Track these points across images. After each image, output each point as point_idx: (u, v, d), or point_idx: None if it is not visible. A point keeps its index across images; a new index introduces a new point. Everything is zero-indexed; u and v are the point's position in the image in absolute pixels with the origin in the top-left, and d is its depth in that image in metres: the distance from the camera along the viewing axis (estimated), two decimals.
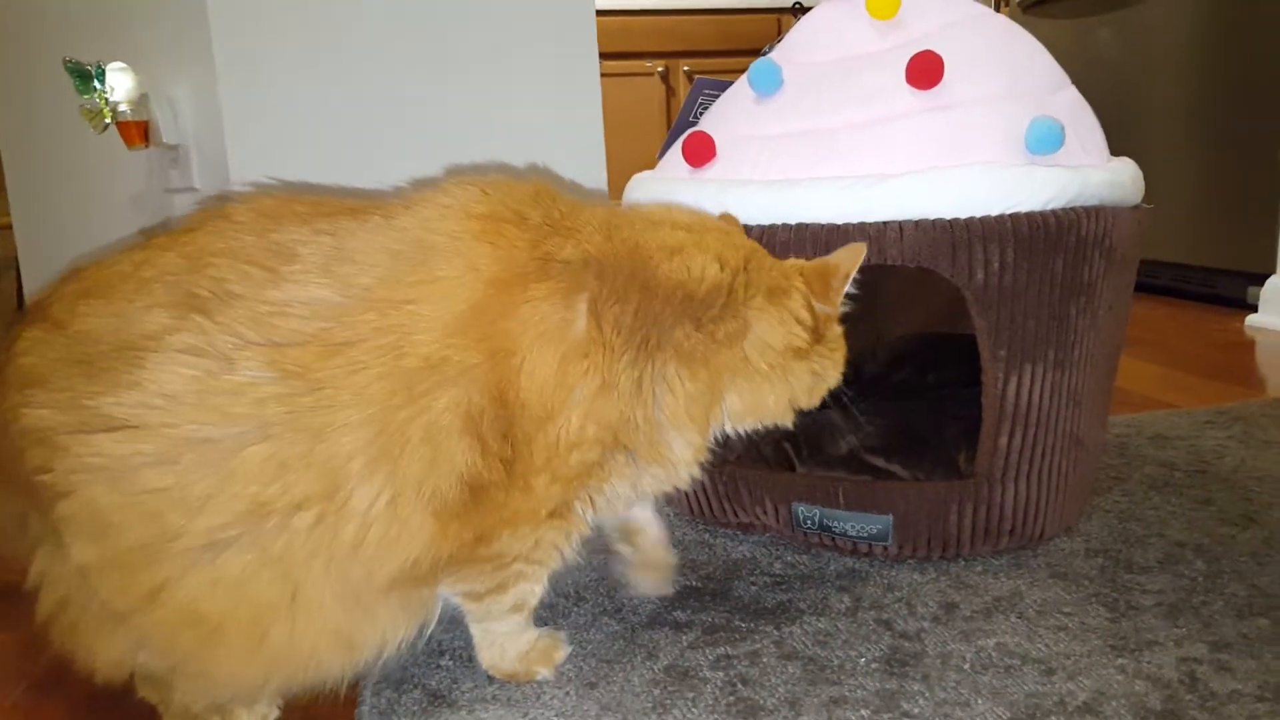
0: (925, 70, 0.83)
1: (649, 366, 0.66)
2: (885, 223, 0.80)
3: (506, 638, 0.72)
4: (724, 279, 0.70)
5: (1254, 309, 2.01)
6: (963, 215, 0.79)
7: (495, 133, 1.37)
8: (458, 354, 0.60)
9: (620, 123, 2.80)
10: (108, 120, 1.25)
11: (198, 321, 0.57)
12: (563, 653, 0.74)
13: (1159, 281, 2.40)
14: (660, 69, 3.42)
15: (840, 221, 0.81)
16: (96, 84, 1.21)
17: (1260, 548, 0.89)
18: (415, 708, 0.70)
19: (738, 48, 3.37)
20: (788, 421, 0.76)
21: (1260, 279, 1.99)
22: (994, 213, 0.79)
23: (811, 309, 0.73)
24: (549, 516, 0.67)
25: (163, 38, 1.30)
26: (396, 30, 1.31)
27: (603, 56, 3.71)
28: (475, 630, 0.73)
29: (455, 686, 0.72)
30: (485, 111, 1.36)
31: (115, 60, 1.26)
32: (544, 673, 0.72)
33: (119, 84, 1.22)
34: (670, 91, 3.45)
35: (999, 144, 0.82)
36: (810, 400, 0.75)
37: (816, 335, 0.74)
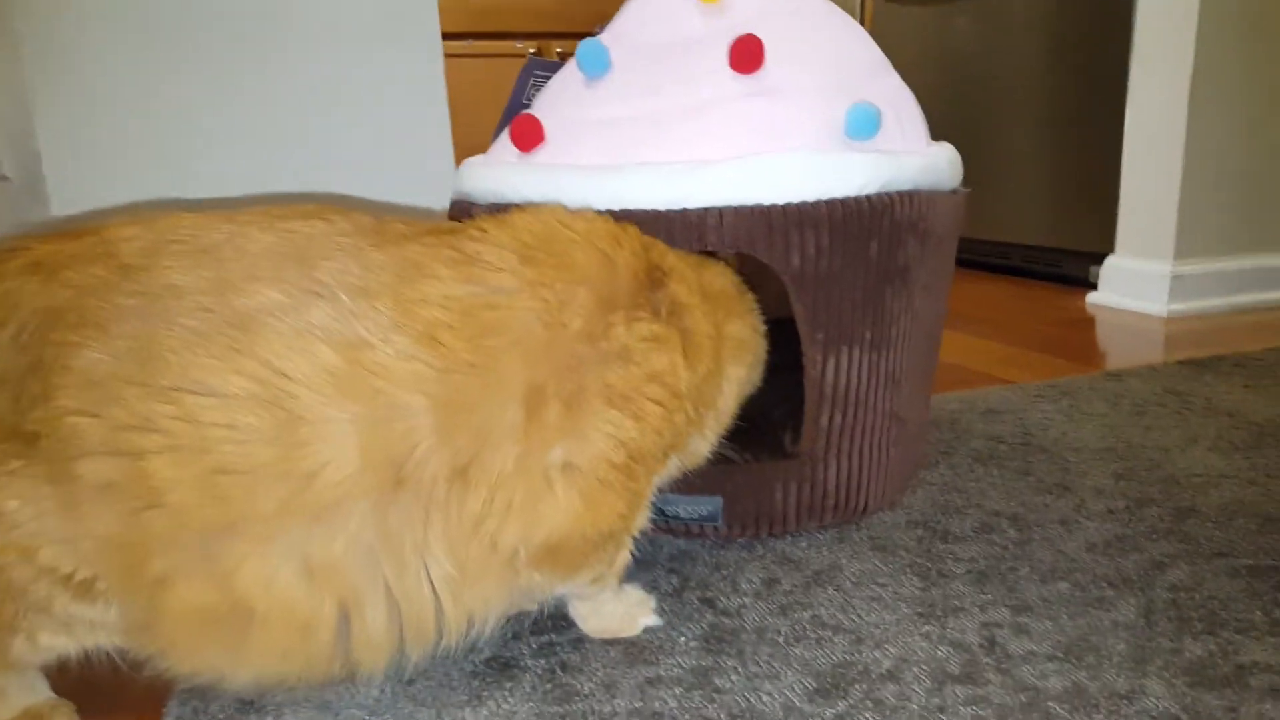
0: (746, 54, 0.84)
1: (723, 355, 0.77)
2: (705, 209, 0.80)
3: (611, 599, 0.76)
4: (735, 280, 0.82)
5: (1095, 287, 2.12)
6: (780, 201, 0.80)
7: (333, 122, 1.33)
8: (618, 330, 0.65)
9: (492, 104, 2.76)
10: None
11: (324, 306, 0.57)
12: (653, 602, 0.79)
13: (1009, 262, 2.51)
14: (533, 50, 3.38)
15: (663, 208, 0.82)
16: None
17: (1070, 514, 0.94)
18: (223, 715, 0.68)
19: None
20: None
21: (1100, 258, 2.10)
22: (810, 198, 0.81)
23: None
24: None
25: None
26: (216, 14, 1.25)
27: (472, 37, 3.64)
28: (584, 607, 0.76)
29: (264, 692, 0.70)
30: (319, 99, 1.32)
31: None
32: (648, 620, 0.77)
33: None
34: None
35: (817, 129, 0.83)
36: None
37: None
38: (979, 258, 2.59)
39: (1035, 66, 2.38)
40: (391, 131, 1.38)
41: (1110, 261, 2.06)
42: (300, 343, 0.56)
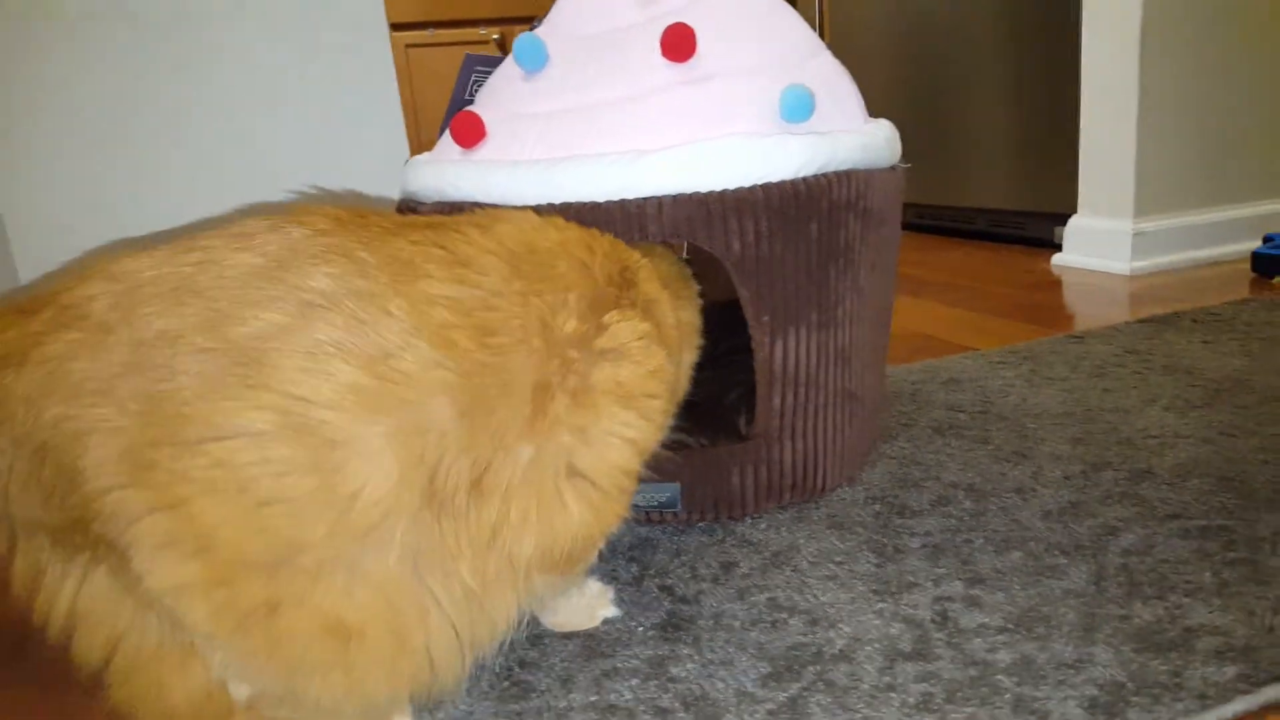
0: (678, 42, 0.84)
1: (683, 343, 0.79)
2: (645, 199, 0.81)
3: (574, 594, 0.77)
4: (680, 263, 0.85)
5: (1059, 248, 2.12)
6: (717, 187, 0.80)
7: (286, 121, 1.32)
8: (617, 328, 0.67)
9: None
10: None
11: (330, 318, 0.52)
12: (611, 593, 0.81)
13: (975, 227, 2.51)
14: (495, 36, 3.36)
15: (602, 199, 0.82)
16: None
17: (1027, 482, 0.95)
18: None
19: None
20: None
21: (1064, 219, 2.11)
22: (748, 183, 0.81)
23: None
24: None
25: None
26: (170, 14, 1.24)
27: (434, 25, 3.59)
28: (554, 601, 0.76)
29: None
30: (269, 99, 1.31)
31: None
32: (607, 612, 0.78)
33: None
34: None
35: (752, 114, 0.83)
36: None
37: None
38: (945, 224, 2.59)
39: (991, 32, 2.38)
40: (342, 127, 1.37)
41: (1073, 222, 2.07)
42: (314, 363, 0.51)
